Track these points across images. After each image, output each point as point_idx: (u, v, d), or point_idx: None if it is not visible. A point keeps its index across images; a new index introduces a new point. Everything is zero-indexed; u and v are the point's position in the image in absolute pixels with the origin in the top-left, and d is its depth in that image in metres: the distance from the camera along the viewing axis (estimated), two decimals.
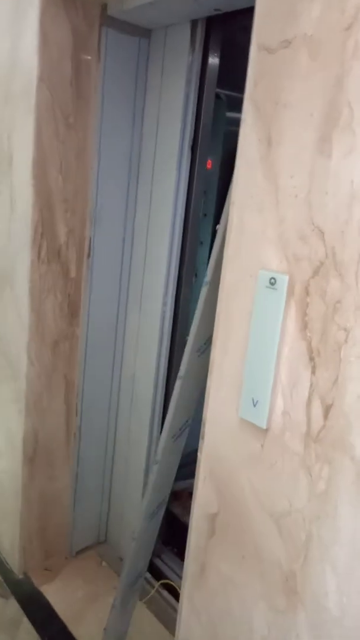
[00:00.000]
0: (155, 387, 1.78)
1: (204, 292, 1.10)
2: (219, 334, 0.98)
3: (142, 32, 1.63)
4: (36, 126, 1.50)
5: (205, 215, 2.13)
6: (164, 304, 1.72)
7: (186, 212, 1.70)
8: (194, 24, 1.54)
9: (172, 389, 1.23)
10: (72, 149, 1.59)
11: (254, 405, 0.91)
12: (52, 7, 1.45)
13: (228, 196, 1.08)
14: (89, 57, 1.56)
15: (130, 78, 1.65)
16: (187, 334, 1.16)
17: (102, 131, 1.63)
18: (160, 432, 1.35)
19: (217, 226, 1.14)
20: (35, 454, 1.79)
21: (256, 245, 0.89)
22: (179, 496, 2.36)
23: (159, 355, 1.76)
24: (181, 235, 1.71)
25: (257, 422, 0.91)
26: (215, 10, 1.38)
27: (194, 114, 1.64)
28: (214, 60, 1.62)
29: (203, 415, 1.04)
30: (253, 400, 0.91)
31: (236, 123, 2.10)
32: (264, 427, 0.90)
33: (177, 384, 1.15)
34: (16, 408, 1.76)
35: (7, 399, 1.82)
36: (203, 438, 1.04)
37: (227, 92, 2.01)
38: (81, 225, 1.67)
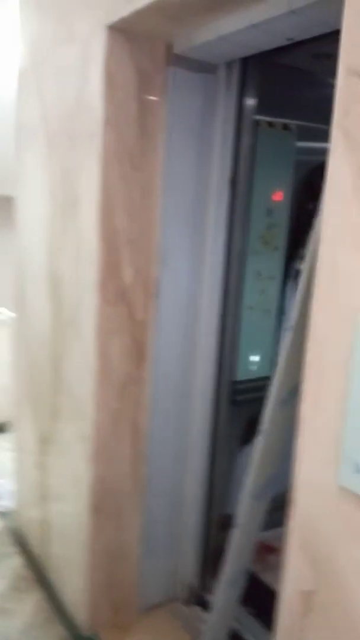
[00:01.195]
0: None
1: (288, 337, 1.00)
2: (309, 387, 0.87)
3: (208, 68, 1.60)
4: (102, 168, 1.48)
5: (276, 249, 2.03)
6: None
7: (229, 247, 1.74)
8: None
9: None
10: (137, 189, 1.55)
11: (357, 471, 0.78)
12: (118, 49, 1.44)
13: (312, 233, 0.99)
14: (155, 98, 1.53)
15: (196, 115, 1.61)
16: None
17: (168, 170, 1.58)
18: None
19: (299, 265, 1.04)
20: (101, 504, 1.72)
21: (353, 287, 0.78)
22: (257, 551, 2.20)
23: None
24: (224, 271, 1.75)
25: None
26: (288, 39, 1.32)
27: (234, 149, 1.67)
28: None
29: (293, 479, 0.91)
30: (357, 465, 0.78)
31: (307, 152, 2.03)
32: None
33: (259, 440, 1.04)
34: (83, 453, 1.70)
35: (74, 443, 1.77)
36: (294, 505, 0.92)
37: (296, 122, 1.94)
38: (147, 266, 1.62)
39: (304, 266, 0.96)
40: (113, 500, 1.74)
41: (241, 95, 1.67)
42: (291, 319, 0.98)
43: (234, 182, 1.67)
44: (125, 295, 1.61)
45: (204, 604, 1.93)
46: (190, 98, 1.59)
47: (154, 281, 1.64)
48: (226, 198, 1.68)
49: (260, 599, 1.84)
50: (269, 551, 2.18)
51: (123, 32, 1.43)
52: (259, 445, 1.04)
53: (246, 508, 1.08)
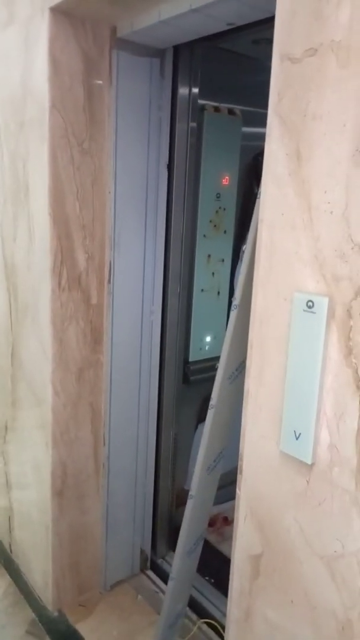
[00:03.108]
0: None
1: (233, 315, 1.05)
2: (252, 363, 0.92)
3: (154, 52, 1.61)
4: (50, 153, 1.48)
5: (225, 232, 2.08)
6: (151, 312, 1.76)
7: (167, 232, 1.77)
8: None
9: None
10: (88, 174, 1.56)
11: (297, 439, 0.84)
12: (62, 34, 1.43)
13: (254, 214, 1.03)
14: (101, 82, 1.53)
15: (144, 100, 1.62)
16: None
17: (118, 155, 1.59)
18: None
19: (243, 247, 1.09)
20: (64, 487, 1.74)
21: (290, 266, 0.84)
22: (214, 522, 2.28)
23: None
24: (163, 254, 1.78)
25: (301, 456, 0.84)
26: (228, 24, 1.34)
27: (173, 133, 1.69)
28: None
29: (240, 450, 0.97)
30: (295, 432, 0.84)
31: (252, 137, 2.08)
32: (309, 462, 0.83)
33: (210, 414, 1.09)
34: (42, 439, 1.72)
35: (33, 428, 1.78)
36: (241, 473, 0.98)
37: (241, 107, 1.98)
38: (100, 250, 1.64)
39: (246, 247, 1.01)
40: (74, 483, 1.77)
41: (186, 80, 1.70)
42: (236, 298, 1.03)
43: (169, 167, 1.70)
44: (79, 281, 1.62)
45: (157, 570, 2.01)
46: (137, 82, 1.60)
47: (107, 266, 1.66)
48: (165, 182, 1.71)
49: (217, 568, 1.93)
50: (225, 522, 2.27)
51: (66, 14, 1.42)
52: (209, 419, 1.09)
53: (199, 480, 1.14)
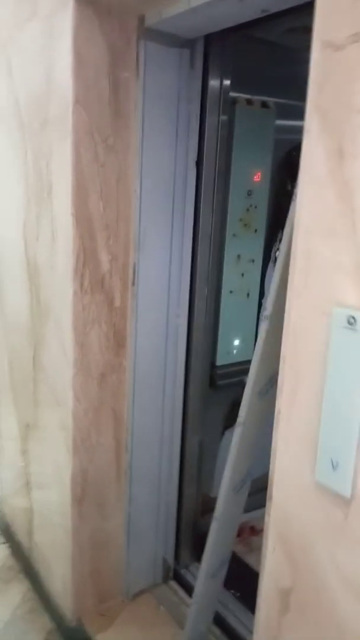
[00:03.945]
0: None
1: (263, 327, 0.97)
2: (285, 381, 0.84)
3: (183, 43, 1.53)
4: (74, 150, 1.42)
5: (256, 231, 1.99)
6: (177, 315, 1.69)
7: (196, 231, 1.68)
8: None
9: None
10: (112, 172, 1.49)
11: (334, 469, 0.76)
12: (86, 24, 1.37)
13: (289, 217, 0.95)
14: (127, 74, 1.46)
15: (172, 92, 1.55)
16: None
17: (144, 151, 1.52)
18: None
19: (276, 249, 1.00)
20: (84, 494, 1.70)
21: (329, 278, 0.75)
22: (240, 531, 2.20)
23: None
24: (190, 253, 1.70)
25: (339, 488, 0.76)
26: (263, 11, 1.25)
27: (205, 128, 1.61)
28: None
29: (270, 473, 0.89)
30: (332, 461, 0.76)
31: (286, 131, 1.98)
32: (348, 495, 0.75)
33: (237, 432, 1.02)
34: (63, 444, 1.67)
35: (54, 431, 1.74)
36: (270, 500, 0.90)
37: (275, 100, 1.88)
38: (124, 252, 1.57)
39: (279, 253, 0.93)
40: (96, 489, 1.72)
41: (217, 72, 1.61)
42: (267, 307, 0.95)
43: (198, 163, 1.62)
44: (102, 283, 1.56)
45: (180, 580, 1.95)
46: (165, 74, 1.52)
47: (131, 267, 1.60)
48: (193, 180, 1.63)
49: (244, 581, 1.86)
50: (253, 533, 2.20)
51: (91, 3, 1.36)
52: (237, 437, 1.02)
53: (224, 502, 1.06)
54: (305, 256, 0.79)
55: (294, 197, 0.86)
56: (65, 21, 1.38)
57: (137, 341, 1.66)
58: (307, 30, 1.50)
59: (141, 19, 1.44)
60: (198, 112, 1.60)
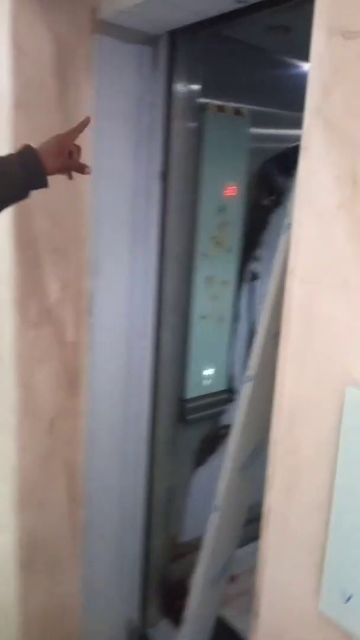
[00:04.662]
0: None
1: (246, 390, 0.76)
2: (276, 472, 0.64)
3: (145, 39, 1.33)
4: None
5: (229, 250, 1.80)
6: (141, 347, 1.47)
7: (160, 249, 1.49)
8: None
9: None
10: (61, 187, 1.27)
11: (346, 601, 0.56)
12: (28, 15, 1.15)
13: (277, 256, 0.75)
14: (79, 74, 1.25)
15: (132, 96, 1.35)
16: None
17: (99, 162, 1.31)
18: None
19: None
20: (32, 558, 1.46)
21: (340, 346, 0.56)
22: None
23: None
24: (155, 276, 1.50)
25: (353, 627, 0.56)
26: (238, 1, 1.06)
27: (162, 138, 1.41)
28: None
29: (256, 585, 0.69)
30: (344, 593, 0.56)
31: (262, 140, 1.80)
32: None
33: (214, 517, 0.81)
34: (6, 499, 1.43)
35: None
36: (257, 617, 0.70)
37: (250, 107, 1.70)
38: (77, 278, 1.35)
39: (265, 301, 0.73)
40: (46, 551, 1.48)
41: (184, 74, 1.42)
42: (251, 366, 0.75)
43: (164, 176, 1.43)
44: (51, 315, 1.33)
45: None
46: (124, 74, 1.32)
47: (85, 296, 1.38)
48: (158, 194, 1.44)
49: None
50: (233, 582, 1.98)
51: None
52: (213, 525, 0.81)
53: (201, 595, 0.86)
54: (305, 314, 0.59)
55: (282, 230, 0.67)
56: (2, 11, 1.15)
57: (94, 380, 1.44)
58: (287, 29, 1.32)
59: (94, 10, 1.23)
60: (163, 119, 1.40)
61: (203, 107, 1.57)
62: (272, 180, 1.89)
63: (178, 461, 1.78)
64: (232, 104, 1.65)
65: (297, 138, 0.60)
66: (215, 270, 1.78)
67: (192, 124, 1.48)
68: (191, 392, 1.81)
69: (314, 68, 0.55)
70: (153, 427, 1.61)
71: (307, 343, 0.59)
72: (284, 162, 1.91)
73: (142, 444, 1.59)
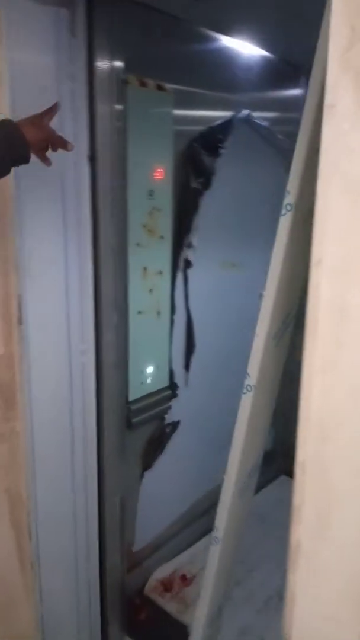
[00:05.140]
0: None
1: (246, 401, 0.66)
2: (306, 499, 0.54)
3: (60, 0, 1.15)
4: None
5: (161, 237, 1.68)
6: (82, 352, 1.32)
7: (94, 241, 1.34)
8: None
9: None
10: None
11: None
12: None
13: (277, 241, 0.64)
14: None
15: (49, 66, 1.16)
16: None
17: None
18: None
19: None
20: None
21: None
22: (169, 584, 1.91)
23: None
24: (91, 273, 1.35)
25: None
26: None
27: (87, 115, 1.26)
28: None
29: (286, 627, 0.59)
30: None
31: (185, 120, 1.69)
32: None
33: (214, 550, 0.70)
34: None
35: None
36: None
37: (173, 86, 1.57)
38: (4, 282, 1.16)
39: (265, 297, 0.62)
40: None
41: (105, 43, 1.26)
42: (250, 375, 0.64)
43: (92, 159, 1.28)
44: None
45: None
46: (38, 41, 1.13)
47: (15, 301, 1.19)
48: (88, 180, 1.28)
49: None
50: (185, 583, 1.91)
51: None
52: (214, 558, 0.70)
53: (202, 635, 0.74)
54: (336, 311, 0.49)
55: (283, 210, 0.56)
56: None
57: (32, 396, 1.26)
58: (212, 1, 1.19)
59: None
60: (86, 93, 1.24)
61: (124, 81, 1.42)
62: (199, 161, 1.79)
63: (127, 468, 1.66)
64: (155, 80, 1.51)
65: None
66: (149, 261, 1.66)
67: (117, 101, 1.33)
68: (134, 393, 1.69)
69: (337, 8, 0.44)
70: (100, 439, 1.47)
71: (339, 345, 0.50)
72: (210, 140, 1.81)
73: (91, 458, 1.44)
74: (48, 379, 1.28)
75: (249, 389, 0.63)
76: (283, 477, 2.52)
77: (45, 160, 1.03)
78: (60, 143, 1.01)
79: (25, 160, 0.93)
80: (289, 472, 2.54)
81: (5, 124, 0.91)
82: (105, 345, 1.41)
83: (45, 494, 1.33)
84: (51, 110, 1.00)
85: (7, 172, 0.93)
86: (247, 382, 0.64)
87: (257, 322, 0.62)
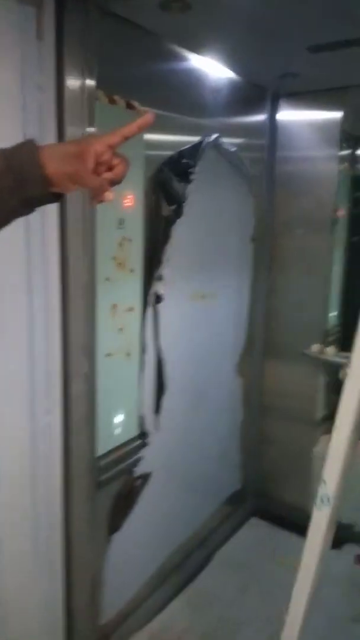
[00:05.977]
0: None
1: (321, 518, 0.49)
2: None
3: None
4: None
5: (132, 270, 1.50)
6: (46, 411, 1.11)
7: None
8: None
9: None
10: None
11: None
12: None
13: None
14: None
15: (12, 73, 0.97)
16: None
17: None
18: None
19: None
20: None
21: None
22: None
23: None
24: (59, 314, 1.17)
25: None
26: None
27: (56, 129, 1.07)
28: None
29: None
30: None
31: (154, 146, 1.53)
32: None
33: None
34: None
35: None
36: None
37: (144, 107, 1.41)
38: None
39: (349, 382, 0.45)
40: None
41: (74, 51, 1.09)
42: (326, 482, 0.47)
43: None
44: None
45: None
46: (6, 44, 0.94)
47: None
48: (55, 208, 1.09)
49: None
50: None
51: None
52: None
53: None
54: None
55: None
56: None
57: None
58: (189, 7, 1.03)
59: None
60: (56, 109, 1.06)
61: (94, 97, 1.25)
62: (170, 187, 1.64)
63: (94, 535, 1.44)
64: (124, 97, 1.35)
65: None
66: (119, 297, 1.47)
67: (89, 122, 1.15)
68: (103, 447, 1.47)
69: None
70: (68, 508, 1.25)
71: None
72: (181, 165, 1.67)
73: (57, 534, 1.22)
74: (5, 442, 1.06)
75: (326, 501, 0.46)
76: (254, 520, 2.35)
77: (93, 201, 0.71)
78: (99, 187, 0.68)
79: (42, 196, 0.64)
80: (262, 514, 2.38)
81: (19, 146, 0.63)
82: (74, 398, 1.21)
83: (6, 580, 1.09)
84: (136, 126, 0.68)
85: (26, 209, 0.66)
86: (321, 491, 0.47)
87: (338, 411, 0.46)
